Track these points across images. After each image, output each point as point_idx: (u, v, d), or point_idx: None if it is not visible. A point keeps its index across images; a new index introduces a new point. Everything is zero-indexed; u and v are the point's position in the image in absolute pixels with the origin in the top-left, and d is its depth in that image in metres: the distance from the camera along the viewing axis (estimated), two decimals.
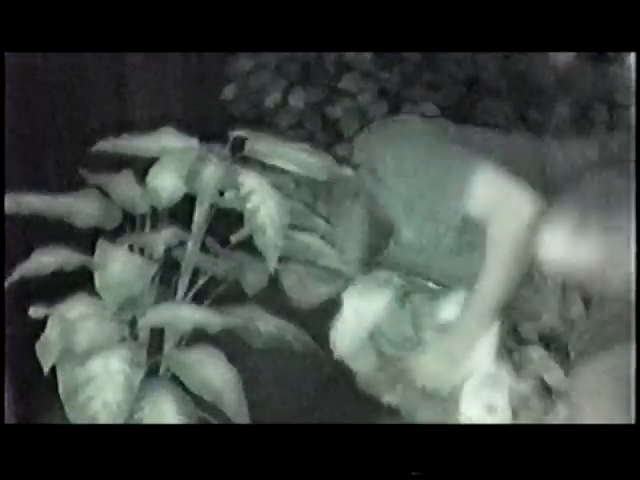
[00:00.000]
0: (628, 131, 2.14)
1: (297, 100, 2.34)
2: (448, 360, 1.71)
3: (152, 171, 1.55)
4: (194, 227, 1.50)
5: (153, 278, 1.47)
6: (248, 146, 1.48)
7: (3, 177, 1.64)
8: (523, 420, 1.72)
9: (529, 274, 1.66)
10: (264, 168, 1.48)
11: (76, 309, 1.47)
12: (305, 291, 1.82)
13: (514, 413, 1.73)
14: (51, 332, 1.44)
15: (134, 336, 1.49)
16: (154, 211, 1.55)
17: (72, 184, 1.56)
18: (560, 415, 1.73)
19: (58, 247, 1.50)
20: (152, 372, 1.49)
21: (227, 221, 1.53)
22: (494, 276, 1.61)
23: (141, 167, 1.56)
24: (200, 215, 1.50)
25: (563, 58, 2.41)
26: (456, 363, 1.70)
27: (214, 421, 1.54)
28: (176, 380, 1.48)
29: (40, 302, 1.50)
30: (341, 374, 1.98)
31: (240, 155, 1.47)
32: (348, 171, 1.58)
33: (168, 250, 1.51)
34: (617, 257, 1.53)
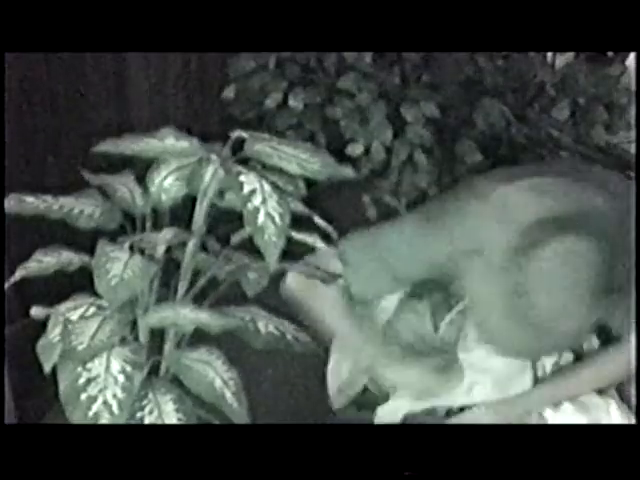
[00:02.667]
0: None
1: (297, 101, 2.34)
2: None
3: (153, 172, 1.55)
4: (194, 227, 1.50)
5: (153, 278, 1.47)
6: (248, 146, 1.48)
7: (3, 177, 1.64)
8: None
9: None
10: (264, 168, 1.48)
11: (77, 309, 1.48)
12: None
13: None
14: (52, 332, 1.44)
15: (134, 336, 1.49)
16: (154, 212, 1.55)
17: (73, 185, 1.56)
18: None
19: (59, 248, 1.50)
20: (152, 372, 1.49)
21: (227, 221, 1.53)
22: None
23: (141, 168, 1.56)
24: (200, 215, 1.50)
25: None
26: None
27: (214, 421, 1.54)
28: (176, 380, 1.48)
29: (41, 302, 1.51)
30: None
31: (240, 155, 1.47)
32: (349, 171, 1.58)
33: (168, 250, 1.51)
34: None
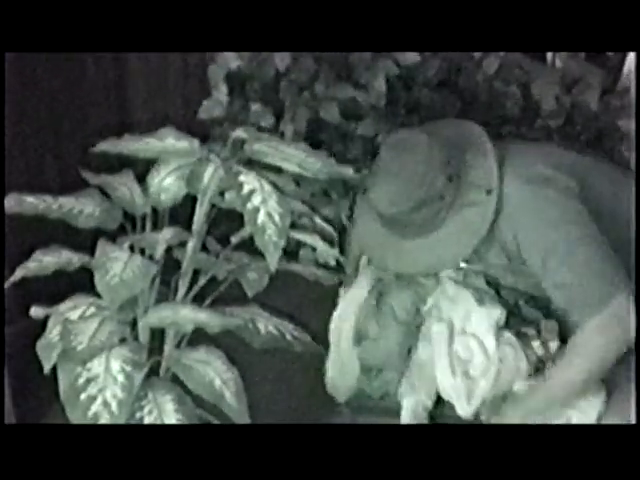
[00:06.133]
0: None
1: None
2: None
3: (153, 172, 1.56)
4: (194, 227, 1.50)
5: (153, 278, 1.47)
6: (248, 146, 1.48)
7: (3, 177, 1.64)
8: None
9: None
10: (264, 168, 1.48)
11: (76, 309, 1.48)
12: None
13: None
14: (51, 332, 1.44)
15: (134, 336, 1.49)
16: (155, 211, 1.55)
17: (73, 184, 1.56)
18: None
19: (59, 248, 1.50)
20: (152, 372, 1.49)
21: (227, 221, 1.54)
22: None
23: (142, 168, 1.56)
24: (200, 215, 1.50)
25: None
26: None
27: (214, 421, 1.54)
28: (176, 380, 1.48)
29: (41, 302, 1.51)
30: None
31: (240, 155, 1.47)
32: (349, 171, 1.58)
33: (169, 250, 1.51)
34: None
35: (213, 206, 1.51)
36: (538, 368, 1.75)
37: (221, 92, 2.20)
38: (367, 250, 1.88)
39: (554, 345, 1.77)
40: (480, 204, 1.66)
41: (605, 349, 1.60)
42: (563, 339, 1.77)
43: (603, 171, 1.83)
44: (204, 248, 1.59)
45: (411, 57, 2.19)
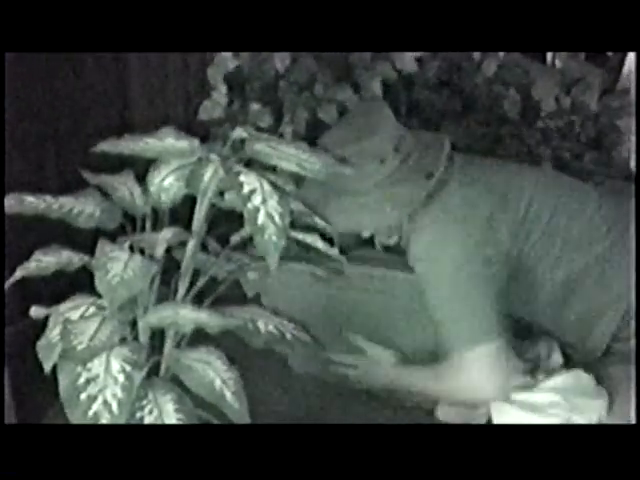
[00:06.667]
0: None
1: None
2: None
3: (153, 172, 1.55)
4: (194, 227, 1.50)
5: (153, 278, 1.47)
6: (248, 146, 1.48)
7: (3, 177, 1.64)
8: None
9: None
10: (264, 168, 1.48)
11: (76, 309, 1.48)
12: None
13: None
14: (52, 332, 1.44)
15: (134, 336, 1.49)
16: (154, 211, 1.55)
17: (73, 184, 1.56)
18: None
19: (59, 248, 1.50)
20: (152, 372, 1.49)
21: (227, 221, 1.53)
22: None
23: (142, 167, 1.56)
24: (200, 215, 1.50)
25: None
26: None
27: (214, 421, 1.54)
28: (176, 380, 1.48)
29: (41, 302, 1.51)
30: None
31: (240, 155, 1.47)
32: (348, 170, 1.58)
33: (168, 250, 1.51)
34: None
35: (213, 206, 1.51)
36: (532, 370, 1.77)
37: (220, 93, 2.21)
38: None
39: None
40: (415, 185, 1.70)
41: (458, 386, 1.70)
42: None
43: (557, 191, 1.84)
44: (204, 248, 1.59)
45: (409, 65, 2.20)
